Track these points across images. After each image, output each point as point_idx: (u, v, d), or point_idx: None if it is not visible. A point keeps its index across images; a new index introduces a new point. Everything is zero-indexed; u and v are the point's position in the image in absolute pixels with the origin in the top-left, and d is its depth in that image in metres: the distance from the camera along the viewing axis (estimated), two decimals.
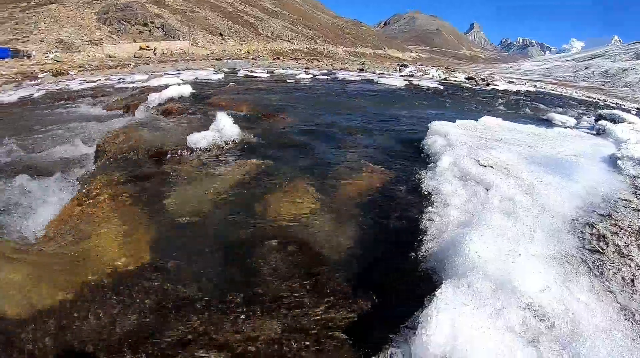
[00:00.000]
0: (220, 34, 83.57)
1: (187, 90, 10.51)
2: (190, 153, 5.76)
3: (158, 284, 3.15)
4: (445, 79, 29.62)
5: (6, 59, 53.50)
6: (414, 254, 3.28)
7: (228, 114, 6.35)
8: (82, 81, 22.89)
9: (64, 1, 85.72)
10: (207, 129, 6.07)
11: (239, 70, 25.29)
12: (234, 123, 6.21)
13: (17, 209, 4.97)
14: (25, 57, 55.63)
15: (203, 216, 4.10)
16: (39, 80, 28.06)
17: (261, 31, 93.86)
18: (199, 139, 5.88)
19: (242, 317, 2.81)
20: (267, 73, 21.77)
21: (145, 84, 17.52)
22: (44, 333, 2.74)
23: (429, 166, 5.11)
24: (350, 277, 3.17)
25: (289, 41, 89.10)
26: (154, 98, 9.90)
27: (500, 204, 3.82)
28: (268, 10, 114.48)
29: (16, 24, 76.56)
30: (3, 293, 3.08)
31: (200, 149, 5.81)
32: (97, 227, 4.03)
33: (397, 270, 3.25)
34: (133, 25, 78.56)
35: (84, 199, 4.68)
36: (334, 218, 4.02)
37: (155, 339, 2.64)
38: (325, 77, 20.89)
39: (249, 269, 3.30)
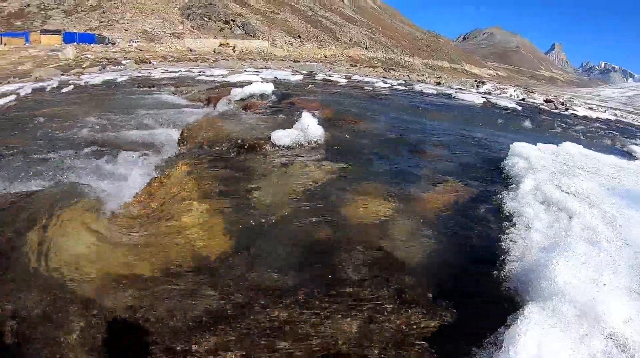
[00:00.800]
0: (299, 37, 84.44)
1: (269, 88, 10.69)
2: (274, 149, 5.86)
3: (240, 272, 3.23)
4: (523, 99, 29.05)
5: (92, 44, 55.86)
6: (495, 272, 3.26)
7: (314, 116, 6.41)
8: (163, 71, 23.59)
9: None
10: (291, 128, 6.15)
11: (316, 73, 25.47)
12: (317, 124, 6.27)
13: (106, 181, 5.32)
14: (110, 44, 57.76)
15: (284, 211, 4.17)
16: (122, 66, 29.11)
17: (339, 37, 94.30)
18: (283, 136, 5.98)
19: (322, 313, 2.84)
20: (345, 79, 21.85)
21: (225, 79, 17.87)
22: (125, 305, 2.85)
23: (509, 187, 5.05)
24: (431, 287, 3.15)
25: (366, 49, 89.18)
26: (237, 93, 10.13)
27: (583, 233, 3.74)
28: (347, 17, 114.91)
29: (103, 12, 79.53)
30: (86, 260, 3.21)
31: (283, 146, 5.91)
32: (181, 208, 4.17)
33: (478, 285, 3.24)
34: (215, 21, 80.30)
35: (168, 180, 4.86)
36: (414, 227, 4.01)
37: (236, 325, 2.71)
38: (403, 88, 20.84)
39: (328, 267, 3.33)
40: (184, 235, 3.76)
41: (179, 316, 2.78)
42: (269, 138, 6.02)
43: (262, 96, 10.35)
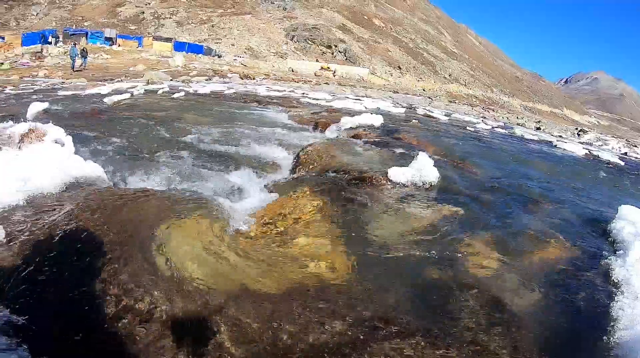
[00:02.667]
0: (399, 67, 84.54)
1: (378, 120, 10.89)
2: (390, 185, 5.99)
3: (358, 302, 3.37)
4: (625, 153, 28.02)
5: (199, 55, 58.13)
6: (604, 337, 3.27)
7: (429, 156, 6.52)
8: (268, 88, 24.19)
9: (258, 14, 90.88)
10: (407, 166, 6.24)
11: (417, 107, 25.48)
12: (433, 166, 6.39)
13: (223, 194, 5.59)
14: (216, 57, 59.69)
15: (399, 248, 4.31)
16: (227, 79, 30.09)
17: (439, 71, 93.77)
18: (400, 174, 6.08)
19: (438, 353, 2.93)
20: (445, 116, 21.80)
21: (328, 104, 18.17)
22: (246, 325, 2.98)
23: (617, 253, 4.86)
24: (539, 342, 3.20)
25: (464, 85, 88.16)
26: (347, 121, 10.38)
27: None
28: (448, 51, 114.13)
29: (212, 26, 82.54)
30: (205, 276, 3.37)
31: (399, 183, 6.01)
32: (301, 233, 4.39)
33: (586, 347, 3.27)
34: (317, 45, 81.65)
35: (288, 202, 5.13)
36: (522, 280, 4.06)
37: (349, 351, 2.84)
38: (503, 131, 20.54)
39: (441, 308, 3.45)
40: (304, 259, 3.95)
41: (299, 339, 2.92)
42: (386, 173, 6.12)
43: (371, 127, 10.56)
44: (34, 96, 17.26)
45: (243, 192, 5.86)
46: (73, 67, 34.03)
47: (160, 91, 18.61)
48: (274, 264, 3.80)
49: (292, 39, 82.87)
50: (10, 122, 5.40)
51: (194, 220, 4.04)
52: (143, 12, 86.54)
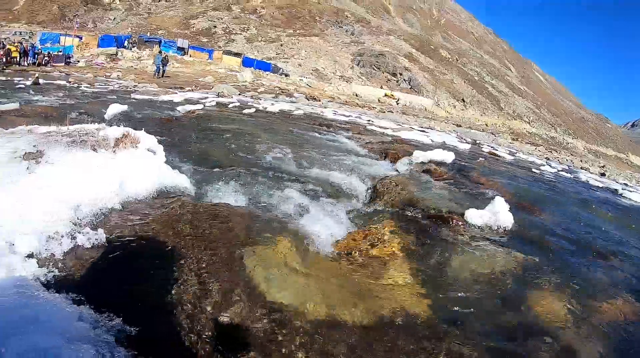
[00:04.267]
0: (463, 100, 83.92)
1: (449, 157, 10.87)
2: (466, 226, 6.10)
3: (439, 339, 3.48)
4: None
5: (267, 72, 59.08)
6: None
7: (505, 201, 6.52)
8: (334, 112, 24.31)
9: (326, 37, 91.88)
10: (483, 209, 6.33)
11: (481, 144, 25.18)
12: (508, 211, 6.38)
13: (302, 218, 5.65)
14: (283, 75, 60.48)
15: (473, 289, 4.42)
16: (294, 99, 30.44)
17: (503, 106, 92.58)
18: (476, 216, 6.17)
19: None
20: (510, 155, 21.46)
21: (395, 133, 18.14)
22: (332, 350, 3.10)
23: None
24: None
25: (528, 123, 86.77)
26: (419, 155, 10.39)
27: None
28: (513, 87, 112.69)
29: (281, 45, 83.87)
30: (290, 299, 3.48)
31: (475, 225, 6.12)
32: (384, 265, 4.54)
33: None
34: (383, 72, 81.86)
35: (370, 234, 5.22)
36: (589, 331, 4.12)
37: None
38: (568, 175, 20.09)
39: (510, 351, 3.55)
40: (385, 290, 4.09)
41: None
42: (462, 214, 6.26)
43: (442, 163, 10.53)
44: (110, 97, 18.00)
45: (322, 217, 5.92)
46: (156, 74, 35.53)
47: (230, 105, 19.00)
48: (357, 294, 3.92)
49: (358, 64, 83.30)
50: (103, 124, 5.61)
51: (278, 241, 4.18)
52: (215, 26, 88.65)
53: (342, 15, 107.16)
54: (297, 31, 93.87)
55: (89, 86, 23.10)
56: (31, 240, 3.30)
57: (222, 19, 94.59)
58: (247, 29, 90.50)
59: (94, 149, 4.84)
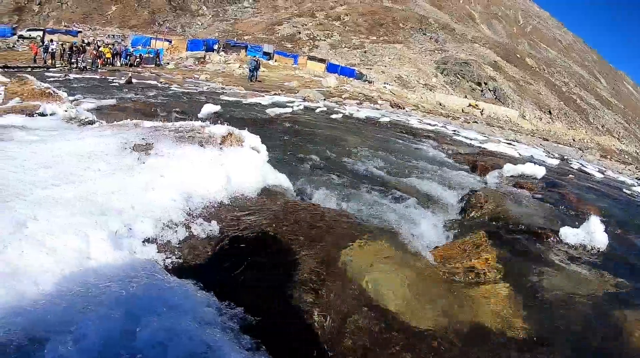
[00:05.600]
0: (549, 112, 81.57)
1: (540, 172, 10.64)
2: (559, 244, 5.96)
3: (536, 354, 3.44)
4: None
5: (351, 79, 59.40)
6: None
7: (601, 221, 6.31)
8: (419, 120, 24.25)
9: (410, 44, 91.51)
10: (578, 228, 6.16)
11: (570, 160, 24.30)
12: (603, 231, 6.17)
13: (400, 224, 5.65)
14: (366, 82, 60.64)
15: (566, 308, 4.30)
16: (378, 106, 30.47)
17: (591, 120, 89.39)
18: (570, 235, 6.03)
19: None
20: (599, 173, 20.63)
21: (481, 144, 17.97)
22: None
23: None
24: None
25: (618, 139, 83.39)
26: (509, 169, 10.23)
27: None
28: (603, 99, 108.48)
29: (365, 52, 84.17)
30: (394, 304, 3.50)
31: (568, 244, 5.96)
32: (480, 278, 4.45)
33: None
34: (467, 81, 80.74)
35: (465, 245, 5.14)
36: None
37: None
38: None
39: None
40: (483, 303, 4.03)
41: None
42: (556, 231, 6.13)
43: (532, 177, 10.31)
44: (200, 97, 18.57)
45: (418, 224, 5.97)
46: (250, 78, 36.69)
47: (317, 110, 19.29)
48: (454, 302, 3.92)
49: (442, 72, 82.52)
50: (207, 122, 5.80)
51: (378, 244, 4.17)
52: (299, 32, 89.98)
53: (426, 23, 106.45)
54: (381, 38, 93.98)
55: (178, 86, 23.98)
56: (148, 225, 3.51)
57: (306, 25, 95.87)
58: (331, 36, 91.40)
59: (202, 145, 5.03)
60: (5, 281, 2.51)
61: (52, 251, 2.82)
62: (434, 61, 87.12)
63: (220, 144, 5.18)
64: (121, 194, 3.76)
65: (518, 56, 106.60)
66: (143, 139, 5.10)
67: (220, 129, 5.46)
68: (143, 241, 3.33)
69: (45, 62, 34.34)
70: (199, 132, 5.39)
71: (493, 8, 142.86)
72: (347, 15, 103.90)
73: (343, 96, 32.40)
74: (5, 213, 3.16)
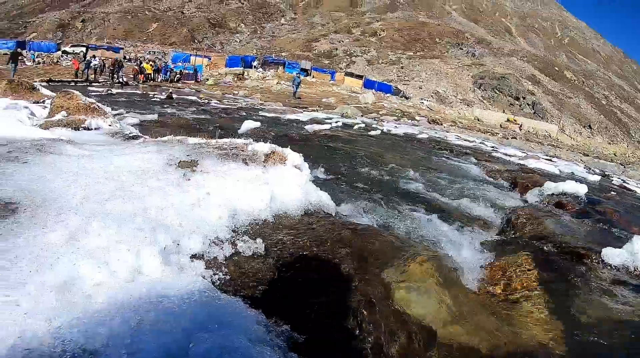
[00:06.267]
0: (589, 127, 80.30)
1: (581, 190, 10.38)
2: (601, 265, 5.79)
3: None
4: None
5: (388, 94, 59.56)
6: None
7: None
8: (457, 137, 24.08)
9: (446, 59, 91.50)
10: (621, 248, 5.96)
11: (610, 176, 23.80)
12: None
13: (442, 245, 5.70)
14: (403, 98, 60.67)
15: (608, 333, 4.15)
16: (416, 122, 30.42)
17: (632, 133, 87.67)
18: (614, 256, 5.87)
19: None
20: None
21: (521, 161, 17.77)
22: None
23: None
24: None
25: None
26: (550, 187, 10.06)
27: None
28: None
29: (401, 68, 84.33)
30: (433, 321, 3.54)
31: (611, 265, 5.78)
32: (519, 297, 4.45)
33: None
34: (505, 96, 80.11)
35: (508, 267, 5.11)
36: None
37: None
38: None
39: None
40: (524, 325, 4.04)
41: None
42: (598, 252, 5.96)
43: (574, 196, 10.13)
44: (240, 113, 18.82)
45: (457, 243, 5.98)
46: (294, 94, 37.38)
47: (355, 126, 19.38)
48: (495, 323, 3.95)
49: (479, 87, 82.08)
50: (250, 140, 5.90)
51: (419, 263, 4.15)
52: (336, 49, 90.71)
53: (462, 37, 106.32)
54: (417, 53, 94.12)
55: (218, 102, 24.38)
56: (195, 242, 3.58)
57: (343, 41, 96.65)
58: (368, 51, 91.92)
59: (246, 163, 5.12)
60: (58, 294, 2.60)
61: (105, 265, 2.92)
62: (471, 75, 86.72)
63: (263, 162, 5.26)
64: (169, 210, 3.86)
65: (556, 68, 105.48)
66: (188, 155, 5.22)
67: (264, 147, 5.55)
68: (191, 257, 3.41)
69: (87, 77, 35.69)
70: (243, 150, 5.49)
71: (530, 20, 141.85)
72: (384, 31, 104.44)
73: (380, 112, 32.45)
74: (58, 225, 3.29)
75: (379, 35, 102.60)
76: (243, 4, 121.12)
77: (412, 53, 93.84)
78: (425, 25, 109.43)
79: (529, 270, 5.04)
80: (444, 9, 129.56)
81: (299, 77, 39.89)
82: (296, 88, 38.18)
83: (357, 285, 3.58)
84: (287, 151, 5.62)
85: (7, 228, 3.23)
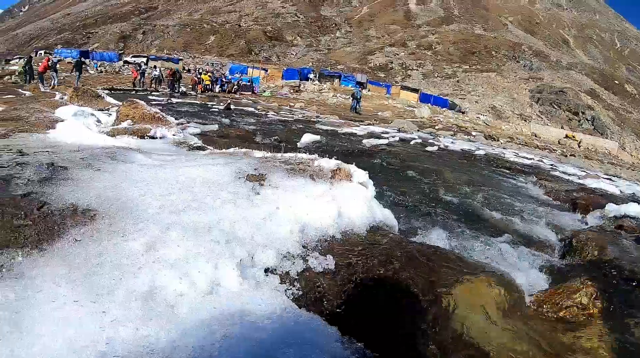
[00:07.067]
0: None
1: None
2: None
3: None
4: None
5: (444, 109, 59.17)
6: None
7: None
8: (515, 154, 23.62)
9: (503, 72, 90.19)
10: None
11: None
12: None
13: (501, 266, 5.57)
14: (459, 112, 60.16)
15: None
16: (472, 137, 30.04)
17: None
18: None
19: None
20: None
21: (580, 180, 17.31)
22: None
23: None
24: None
25: None
26: (611, 209, 9.79)
27: None
28: None
29: (457, 81, 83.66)
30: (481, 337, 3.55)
31: None
32: (581, 326, 4.31)
33: None
34: (563, 111, 78.41)
35: (565, 292, 4.99)
36: None
37: None
38: None
39: None
40: (582, 355, 3.87)
41: None
42: None
43: (635, 218, 9.86)
44: (298, 125, 19.02)
45: (517, 265, 5.99)
46: (354, 109, 37.07)
47: (412, 142, 19.34)
48: (555, 352, 3.82)
49: (536, 102, 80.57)
50: (315, 155, 5.96)
51: (483, 287, 4.15)
52: (392, 62, 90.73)
53: (519, 50, 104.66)
54: (473, 67, 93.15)
55: (275, 114, 24.71)
56: (269, 256, 3.67)
57: (398, 54, 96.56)
58: (424, 65, 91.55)
59: (313, 179, 5.20)
60: (144, 302, 2.74)
61: (185, 276, 3.04)
62: (528, 89, 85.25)
63: (330, 178, 5.32)
64: (242, 223, 3.96)
65: (616, 82, 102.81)
66: (255, 169, 5.34)
67: (329, 163, 5.61)
68: (265, 271, 3.50)
69: (143, 86, 37.45)
70: (309, 166, 5.57)
71: (588, 31, 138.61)
72: (439, 44, 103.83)
73: (436, 127, 32.23)
74: (137, 234, 3.46)
75: (435, 48, 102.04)
76: (299, 17, 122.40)
77: (468, 66, 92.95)
78: (481, 38, 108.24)
79: (590, 297, 4.94)
80: (500, 21, 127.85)
81: (360, 92, 39.12)
82: (357, 103, 37.48)
83: (424, 306, 3.63)
84: (353, 168, 5.67)
85: (86, 234, 3.41)
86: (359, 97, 37.58)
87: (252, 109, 25.75)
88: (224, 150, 7.30)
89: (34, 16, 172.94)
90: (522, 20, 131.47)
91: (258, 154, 6.38)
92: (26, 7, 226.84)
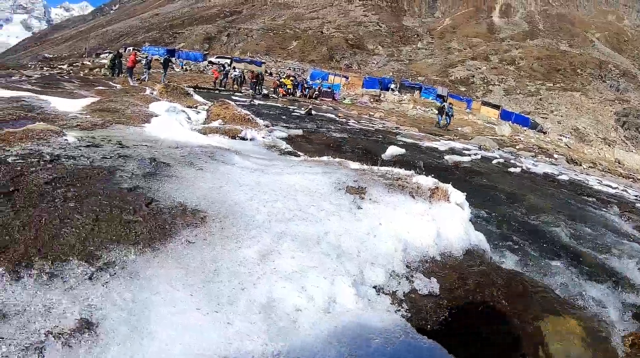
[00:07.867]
0: None
1: None
2: None
3: None
4: None
5: (525, 128, 57.63)
6: None
7: None
8: (599, 181, 22.80)
9: (588, 92, 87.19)
10: None
11: None
12: None
13: (583, 303, 5.50)
14: (540, 132, 58.53)
15: None
16: (554, 160, 29.11)
17: None
18: None
19: None
20: None
21: None
22: None
23: None
24: None
25: None
26: None
27: None
28: None
29: (540, 99, 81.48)
30: None
31: None
32: None
33: None
34: None
35: None
36: None
37: None
38: None
39: None
40: None
41: None
42: None
43: None
44: (379, 136, 19.10)
45: (605, 305, 5.80)
46: (440, 124, 35.79)
47: (494, 161, 19.02)
48: None
49: (622, 126, 77.45)
50: (411, 171, 5.98)
51: (572, 323, 4.09)
52: (473, 76, 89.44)
53: (606, 69, 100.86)
54: (557, 84, 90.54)
55: (355, 122, 24.83)
56: (377, 274, 3.67)
57: (480, 68, 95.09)
58: (506, 81, 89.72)
59: (412, 196, 5.19)
60: (265, 315, 2.76)
61: (302, 290, 3.06)
62: (613, 112, 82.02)
63: (429, 197, 5.32)
64: (346, 236, 3.98)
65: None
66: (355, 181, 5.37)
67: (427, 181, 5.60)
68: (375, 290, 3.51)
69: (224, 87, 38.68)
70: (407, 182, 5.56)
71: None
72: (522, 60, 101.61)
73: (517, 147, 31.48)
74: (250, 241, 3.50)
75: (518, 63, 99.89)
76: (381, 26, 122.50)
77: (551, 84, 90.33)
78: (566, 55, 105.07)
79: None
80: (587, 37, 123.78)
81: (451, 108, 37.30)
82: (448, 119, 35.89)
83: (520, 333, 3.63)
84: (450, 188, 5.63)
85: (199, 237, 3.46)
86: (450, 113, 36.05)
87: (333, 116, 25.99)
88: (317, 158, 7.40)
89: (124, 14, 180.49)
90: (610, 37, 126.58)
91: (353, 165, 6.46)
92: (117, 6, 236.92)
